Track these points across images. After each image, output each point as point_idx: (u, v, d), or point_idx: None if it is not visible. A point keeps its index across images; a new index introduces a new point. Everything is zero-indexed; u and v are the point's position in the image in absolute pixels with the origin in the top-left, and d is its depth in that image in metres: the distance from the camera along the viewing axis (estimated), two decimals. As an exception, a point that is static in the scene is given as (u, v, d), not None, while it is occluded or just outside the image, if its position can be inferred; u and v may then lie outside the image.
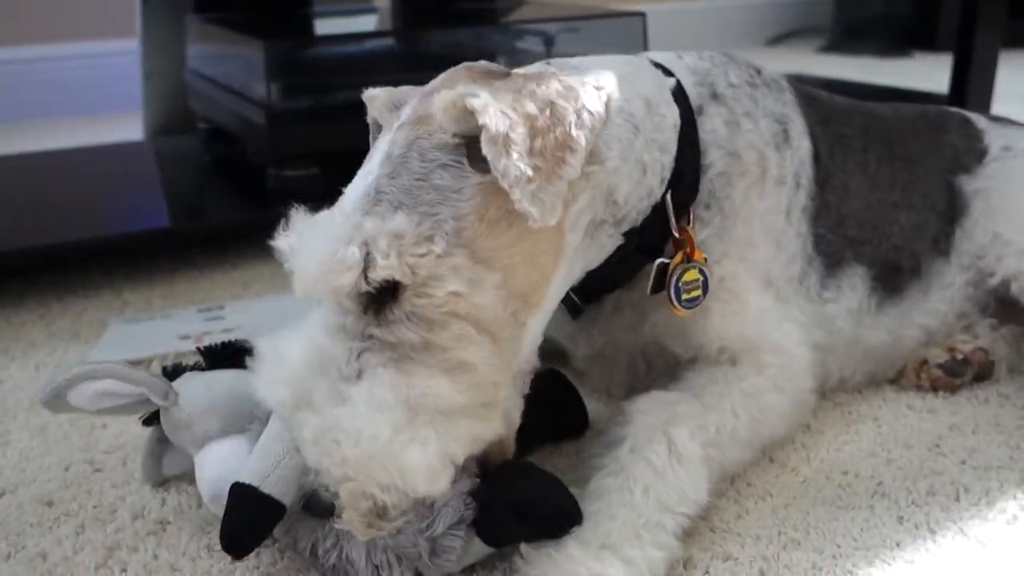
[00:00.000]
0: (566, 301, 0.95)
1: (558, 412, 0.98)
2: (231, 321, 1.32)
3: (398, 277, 0.71)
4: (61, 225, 1.58)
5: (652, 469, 0.81)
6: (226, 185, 1.88)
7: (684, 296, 0.91)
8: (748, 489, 0.94)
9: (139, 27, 2.22)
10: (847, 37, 4.28)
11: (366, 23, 2.26)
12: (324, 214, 0.78)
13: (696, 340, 0.97)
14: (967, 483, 0.94)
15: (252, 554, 0.83)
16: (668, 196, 0.90)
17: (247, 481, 0.76)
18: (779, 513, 0.90)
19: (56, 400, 0.82)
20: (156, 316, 1.37)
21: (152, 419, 0.93)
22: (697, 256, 0.91)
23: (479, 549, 0.79)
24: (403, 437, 0.70)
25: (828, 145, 1.05)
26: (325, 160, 1.77)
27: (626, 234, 0.89)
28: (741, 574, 0.81)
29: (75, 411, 0.85)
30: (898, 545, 0.85)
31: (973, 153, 1.20)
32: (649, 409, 0.87)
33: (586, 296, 0.98)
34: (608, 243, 0.88)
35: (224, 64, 1.94)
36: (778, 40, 4.58)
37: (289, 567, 0.82)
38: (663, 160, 0.89)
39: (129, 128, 2.45)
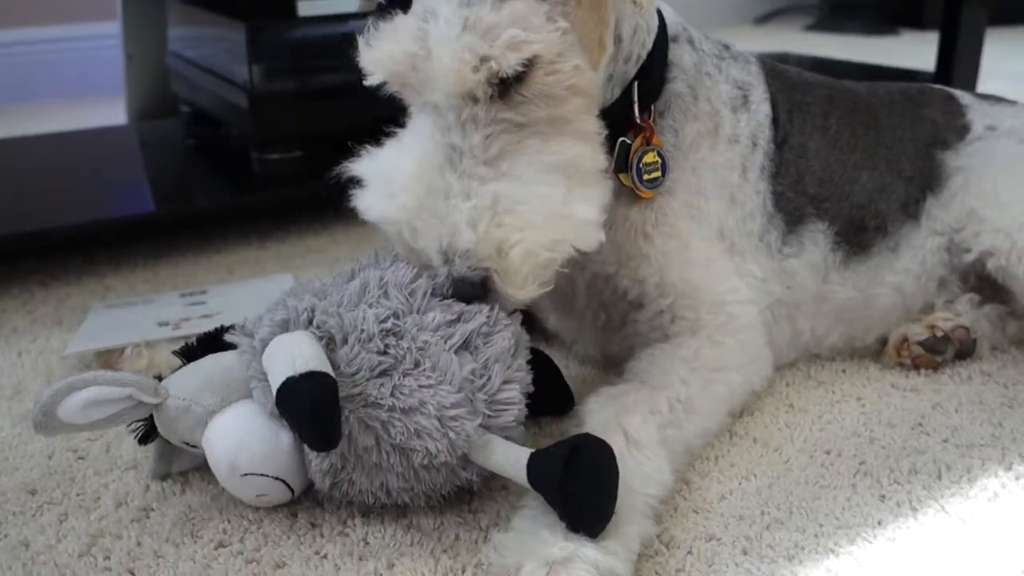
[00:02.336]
0: None
1: (541, 389, 0.99)
2: (212, 306, 1.31)
3: (542, 52, 0.79)
4: (44, 211, 1.57)
5: None
6: (210, 169, 1.86)
7: (645, 176, 0.98)
8: (731, 469, 0.94)
9: (120, 9, 2.20)
10: (834, 15, 4.28)
11: (349, 4, 2.24)
12: (409, 18, 0.82)
13: (639, 270, 1.00)
14: (949, 461, 0.95)
15: (237, 540, 0.84)
16: (636, 83, 0.97)
17: (282, 380, 0.76)
18: (762, 493, 0.90)
19: (47, 419, 0.81)
20: (138, 301, 1.36)
21: (147, 436, 0.92)
22: (656, 141, 0.98)
23: (516, 459, 0.80)
24: (573, 194, 0.82)
25: (787, 110, 1.10)
26: (309, 143, 1.76)
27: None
28: (724, 554, 0.81)
29: (70, 429, 0.83)
30: (880, 523, 0.85)
31: (953, 128, 1.20)
32: (600, 407, 0.89)
33: None
34: (599, 96, 0.93)
35: (206, 46, 1.92)
36: (765, 18, 4.57)
37: (272, 552, 0.82)
38: (645, 40, 0.98)
39: (112, 112, 2.43)
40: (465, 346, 0.82)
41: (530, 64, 0.79)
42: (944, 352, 1.13)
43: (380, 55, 0.83)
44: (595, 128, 0.87)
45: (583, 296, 1.06)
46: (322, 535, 0.84)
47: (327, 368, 0.78)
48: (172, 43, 2.15)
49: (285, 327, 0.83)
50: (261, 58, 1.68)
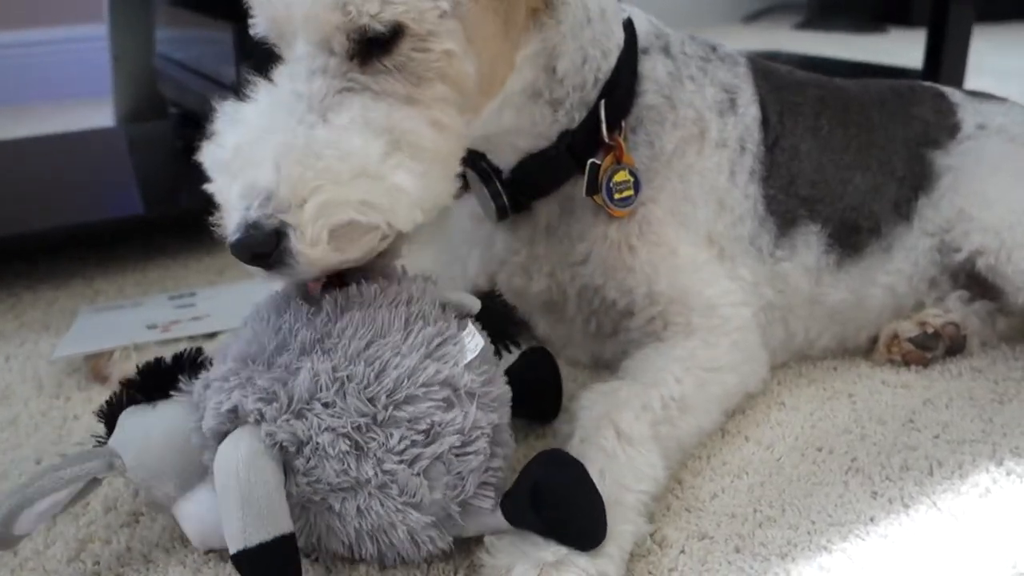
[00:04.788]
0: (497, 202, 1.01)
1: (537, 391, 0.98)
2: (201, 308, 1.31)
3: (408, 21, 0.75)
4: (31, 214, 1.55)
5: (603, 453, 0.82)
6: (199, 171, 1.85)
7: (616, 195, 0.97)
8: (723, 468, 0.94)
9: (106, 10, 2.19)
10: (822, 13, 4.30)
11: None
12: None
13: (626, 281, 1.00)
14: (940, 457, 0.95)
15: (226, 544, 0.83)
16: (602, 103, 0.97)
17: (234, 551, 0.70)
18: (755, 491, 0.90)
19: (3, 541, 0.75)
20: (127, 304, 1.35)
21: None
22: (627, 159, 0.98)
23: (495, 521, 0.77)
24: (392, 160, 0.74)
25: (778, 111, 1.09)
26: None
27: (560, 137, 0.97)
28: (716, 552, 0.81)
29: (29, 536, 0.78)
30: (872, 520, 0.85)
31: (944, 127, 1.20)
32: (592, 403, 0.89)
33: (517, 202, 1.02)
34: (540, 122, 0.96)
35: (193, 48, 1.91)
36: (754, 17, 4.58)
37: (264, 556, 0.82)
38: (601, 64, 0.97)
39: (100, 114, 2.41)
40: (438, 458, 0.74)
41: (397, 33, 0.75)
42: (934, 348, 1.13)
43: None
44: (453, 123, 0.80)
45: (573, 304, 1.06)
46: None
47: (280, 521, 0.71)
48: (159, 45, 2.13)
49: (234, 414, 0.74)
50: (249, 59, 1.68)
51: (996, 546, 0.82)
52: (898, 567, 0.79)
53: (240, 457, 0.71)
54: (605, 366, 1.09)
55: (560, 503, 0.73)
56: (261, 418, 0.73)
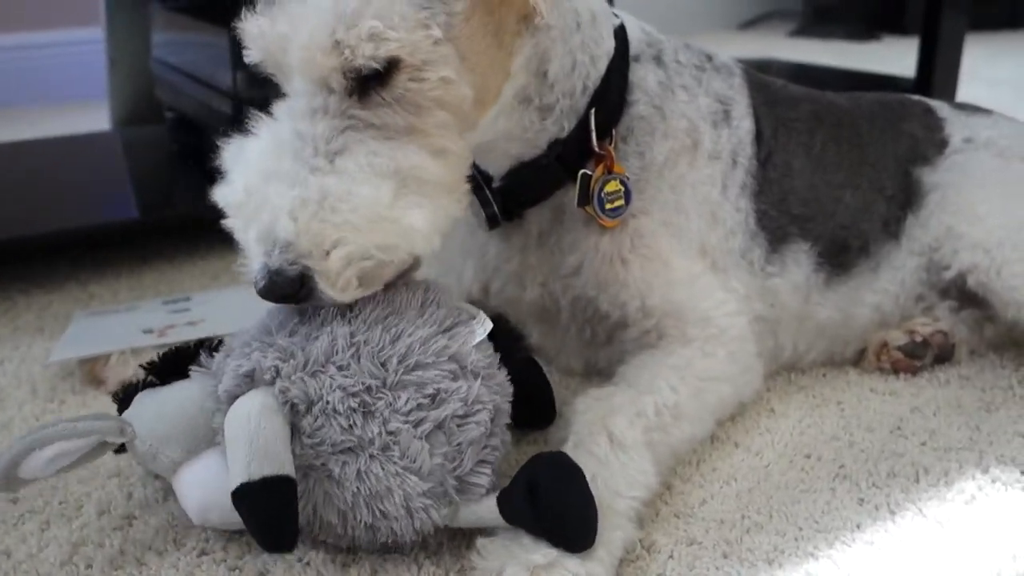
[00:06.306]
0: (487, 210, 1.02)
1: (528, 399, 0.99)
2: (196, 313, 1.31)
3: (403, 55, 0.76)
4: (26, 217, 1.56)
5: (595, 459, 0.83)
6: (194, 175, 1.86)
7: (607, 206, 0.97)
8: (712, 474, 0.95)
9: (103, 14, 2.20)
10: (817, 21, 4.32)
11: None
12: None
13: (619, 296, 1.00)
14: (927, 464, 0.96)
15: (219, 548, 0.84)
16: (592, 112, 0.97)
17: (237, 484, 0.73)
18: (743, 497, 0.91)
19: (9, 482, 0.76)
20: (121, 309, 1.35)
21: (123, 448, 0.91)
22: (617, 169, 0.97)
23: (489, 512, 0.78)
24: (402, 201, 0.77)
25: (772, 127, 1.09)
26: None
27: (550, 146, 0.97)
28: (705, 558, 0.82)
29: (35, 481, 0.80)
30: (858, 527, 0.86)
31: (932, 143, 1.20)
32: (587, 408, 0.89)
33: (508, 210, 1.02)
34: (529, 127, 0.96)
35: (190, 52, 1.92)
36: (749, 24, 4.60)
37: (255, 560, 0.82)
38: (591, 71, 0.97)
39: (96, 118, 2.42)
40: (440, 426, 0.77)
41: (393, 66, 0.76)
42: (923, 356, 1.14)
43: (255, 30, 0.80)
44: (455, 147, 0.82)
45: (567, 314, 1.06)
46: (304, 542, 0.84)
47: (284, 464, 0.74)
48: (156, 49, 2.14)
49: (251, 378, 0.78)
50: (245, 64, 1.68)
51: (981, 553, 0.82)
52: (884, 573, 0.80)
53: (252, 407, 0.75)
54: (598, 373, 1.10)
55: (556, 503, 0.74)
56: (276, 375, 0.77)
